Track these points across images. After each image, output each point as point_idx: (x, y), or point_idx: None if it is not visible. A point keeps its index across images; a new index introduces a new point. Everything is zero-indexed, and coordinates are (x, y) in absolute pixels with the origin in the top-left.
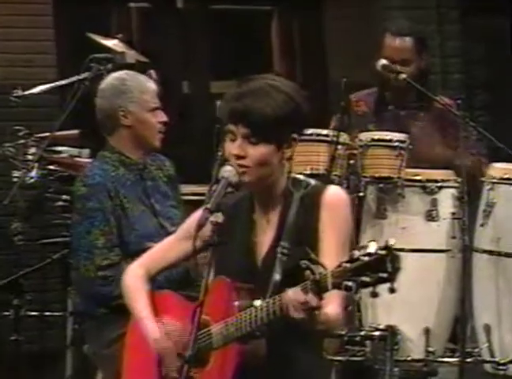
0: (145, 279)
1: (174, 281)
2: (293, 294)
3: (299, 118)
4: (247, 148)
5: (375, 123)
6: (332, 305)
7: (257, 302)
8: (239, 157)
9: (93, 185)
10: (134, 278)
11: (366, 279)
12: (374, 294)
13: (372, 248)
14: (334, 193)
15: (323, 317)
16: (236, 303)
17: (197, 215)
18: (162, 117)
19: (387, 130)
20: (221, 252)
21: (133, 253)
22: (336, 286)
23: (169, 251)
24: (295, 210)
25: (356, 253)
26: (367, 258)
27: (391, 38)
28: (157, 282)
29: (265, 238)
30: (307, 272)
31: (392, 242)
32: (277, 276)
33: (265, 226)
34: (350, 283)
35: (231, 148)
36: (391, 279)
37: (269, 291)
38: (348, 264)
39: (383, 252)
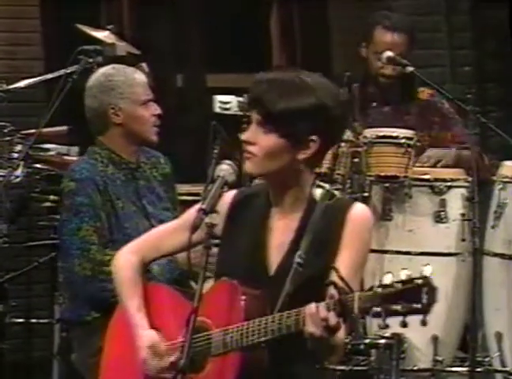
0: (139, 267)
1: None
2: (316, 308)
3: (323, 121)
4: (259, 135)
5: (361, 122)
6: (340, 331)
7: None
8: (248, 142)
9: (81, 179)
10: (127, 266)
11: (397, 307)
12: (404, 325)
13: (406, 275)
14: (361, 212)
15: (332, 342)
16: (242, 303)
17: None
18: (155, 109)
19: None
20: (227, 248)
21: None
22: (363, 310)
23: (166, 239)
24: (318, 220)
25: (389, 279)
26: (400, 286)
27: (383, 32)
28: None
29: (280, 242)
30: (331, 291)
31: (429, 272)
32: (290, 286)
33: (281, 229)
34: (379, 309)
35: (244, 133)
36: (425, 311)
37: (279, 300)
38: (379, 289)
39: (420, 281)
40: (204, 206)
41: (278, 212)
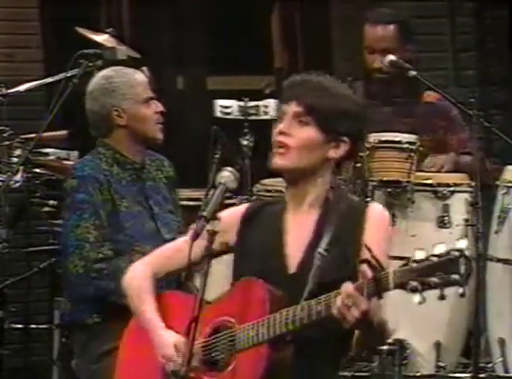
0: (152, 280)
1: None
2: (348, 290)
3: (357, 126)
4: (295, 127)
5: None
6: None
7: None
8: (283, 133)
9: (83, 176)
10: (141, 279)
11: (435, 280)
12: (442, 297)
13: (441, 249)
14: (380, 211)
15: (383, 326)
16: (267, 300)
17: None
18: (158, 107)
19: (374, 129)
20: (242, 254)
21: (121, 252)
22: (400, 286)
23: (176, 256)
24: (336, 220)
25: (422, 254)
26: (436, 259)
27: (371, 26)
28: None
29: (298, 240)
30: (365, 270)
31: (463, 244)
32: (312, 284)
33: (298, 228)
34: (415, 283)
35: (278, 126)
36: (463, 282)
37: (302, 298)
38: (414, 264)
39: (457, 253)
40: (205, 213)
41: (294, 211)
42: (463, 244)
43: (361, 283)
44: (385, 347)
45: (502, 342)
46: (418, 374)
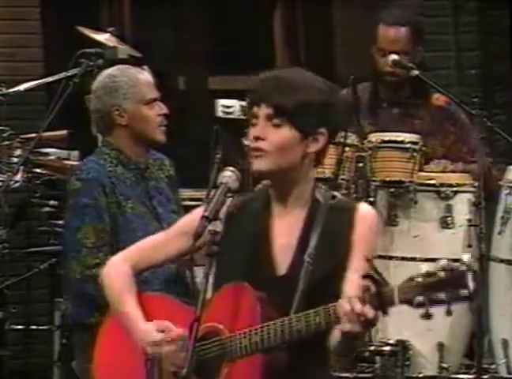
0: (131, 276)
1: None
2: (350, 304)
3: (331, 113)
4: (268, 130)
5: (370, 121)
6: None
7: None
8: (258, 138)
9: (87, 179)
10: (119, 274)
11: (442, 295)
12: (449, 313)
13: (447, 263)
14: (369, 211)
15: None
16: (258, 305)
17: (195, 213)
18: (161, 109)
19: (382, 129)
20: (227, 253)
21: None
22: (405, 301)
23: (160, 248)
24: (324, 219)
25: (428, 268)
26: (443, 274)
27: (385, 28)
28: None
29: (285, 241)
30: (366, 284)
31: (467, 258)
32: (303, 286)
33: (285, 228)
34: (422, 298)
35: (252, 131)
36: (472, 297)
37: (295, 300)
38: (420, 279)
39: (464, 267)
40: (207, 213)
41: (280, 211)
42: (467, 258)
43: (362, 296)
44: (387, 348)
45: (505, 343)
46: (421, 375)
